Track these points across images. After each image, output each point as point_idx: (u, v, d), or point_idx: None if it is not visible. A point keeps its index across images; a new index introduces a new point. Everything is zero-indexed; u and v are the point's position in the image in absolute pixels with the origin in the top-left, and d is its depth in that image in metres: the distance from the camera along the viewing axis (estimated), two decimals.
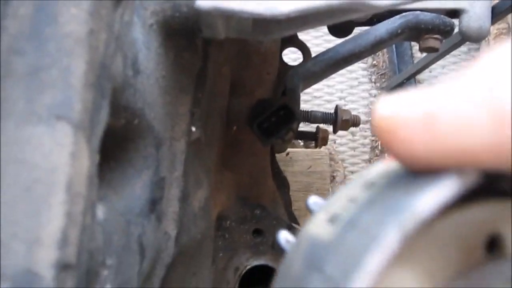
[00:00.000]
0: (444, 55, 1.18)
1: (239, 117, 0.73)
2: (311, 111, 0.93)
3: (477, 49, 1.55)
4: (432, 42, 0.90)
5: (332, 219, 0.23)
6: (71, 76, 0.27)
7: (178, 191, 0.50)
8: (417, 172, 0.21)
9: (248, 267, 0.74)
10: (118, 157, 0.43)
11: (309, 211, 0.30)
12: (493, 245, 0.22)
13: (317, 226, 0.24)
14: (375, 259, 0.19)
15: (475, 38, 0.91)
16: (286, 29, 0.49)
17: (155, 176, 0.46)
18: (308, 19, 0.46)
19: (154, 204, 0.46)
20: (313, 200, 0.31)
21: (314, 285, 0.21)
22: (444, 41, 0.94)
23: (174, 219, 0.49)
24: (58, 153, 0.26)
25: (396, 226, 0.19)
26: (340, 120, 0.91)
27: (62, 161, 0.26)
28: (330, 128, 1.04)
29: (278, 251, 0.78)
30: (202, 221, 0.59)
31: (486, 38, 1.45)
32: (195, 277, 0.64)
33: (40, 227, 0.26)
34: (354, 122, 0.93)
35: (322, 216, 0.24)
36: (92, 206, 0.30)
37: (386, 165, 0.24)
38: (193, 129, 0.51)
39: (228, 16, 0.42)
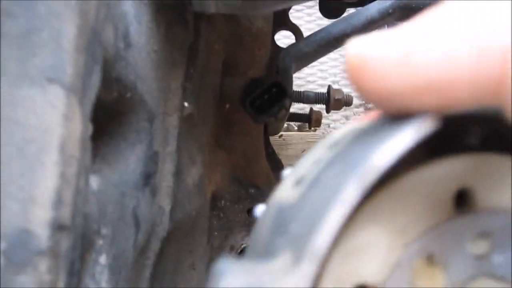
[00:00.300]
0: None
1: (232, 96, 0.73)
2: (304, 92, 0.93)
3: None
4: None
5: (298, 182, 0.23)
6: (62, 39, 0.27)
7: (171, 166, 0.50)
8: (381, 121, 0.21)
9: (244, 245, 0.74)
10: (112, 131, 0.44)
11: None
12: (462, 199, 0.22)
13: (284, 191, 0.24)
14: (336, 213, 0.18)
15: None
16: (274, 4, 0.49)
17: (148, 150, 0.46)
18: None
19: (148, 178, 0.46)
20: (287, 171, 0.29)
21: (278, 248, 0.20)
22: None
23: (168, 194, 0.50)
24: (51, 114, 0.27)
25: (355, 179, 0.19)
26: (332, 99, 0.91)
27: (54, 122, 0.27)
28: (323, 110, 1.04)
29: None
30: (196, 198, 0.60)
31: None
32: (191, 254, 0.64)
33: (34, 186, 0.26)
34: (347, 101, 0.93)
35: (289, 181, 0.24)
36: (86, 171, 0.30)
37: (350, 125, 0.24)
38: (186, 104, 0.52)
39: None
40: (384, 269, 0.21)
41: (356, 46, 0.20)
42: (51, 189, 0.27)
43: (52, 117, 0.27)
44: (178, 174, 0.52)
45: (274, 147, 1.01)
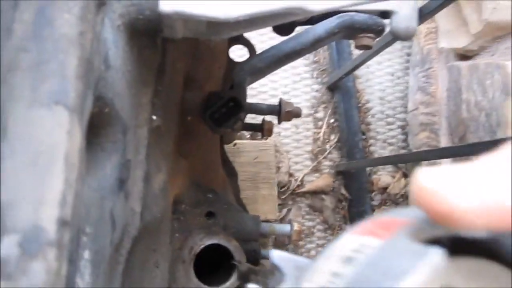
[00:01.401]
0: (379, 52, 1.26)
1: (192, 109, 0.80)
2: (257, 104, 1.01)
3: (409, 47, 1.67)
4: (366, 41, 0.99)
5: None
6: (66, 69, 0.33)
7: (142, 173, 0.56)
8: (392, 247, 0.24)
9: (202, 246, 0.80)
10: (92, 142, 0.49)
11: (274, 265, 0.32)
12: None
13: None
14: None
15: (404, 37, 1.01)
16: (234, 30, 0.56)
17: (122, 158, 0.52)
18: (254, 21, 0.53)
19: (122, 183, 0.52)
20: (277, 254, 0.33)
21: None
22: (377, 39, 1.04)
23: (139, 197, 0.56)
24: (58, 131, 0.33)
25: None
26: (284, 111, 0.99)
27: (61, 138, 0.33)
28: (274, 120, 1.12)
29: (228, 232, 0.85)
30: (161, 201, 0.66)
31: (417, 37, 1.57)
32: (155, 253, 0.70)
33: (44, 190, 0.32)
34: (297, 113, 1.01)
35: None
36: (82, 176, 0.36)
37: (354, 238, 0.26)
38: (154, 117, 0.58)
39: (186, 19, 0.49)
40: None
41: (431, 177, 0.23)
42: (58, 192, 0.32)
43: (59, 134, 0.33)
44: (147, 180, 0.58)
45: (228, 155, 1.08)
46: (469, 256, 0.26)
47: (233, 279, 0.81)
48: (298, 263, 0.30)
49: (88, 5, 0.35)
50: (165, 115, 0.62)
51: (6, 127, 0.31)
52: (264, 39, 1.53)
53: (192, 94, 0.81)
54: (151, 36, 0.53)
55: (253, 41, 0.99)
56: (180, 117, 0.77)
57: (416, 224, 0.24)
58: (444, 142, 1.41)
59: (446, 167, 0.23)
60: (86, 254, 0.44)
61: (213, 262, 0.86)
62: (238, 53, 1.29)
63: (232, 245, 0.80)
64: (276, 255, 0.33)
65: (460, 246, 0.26)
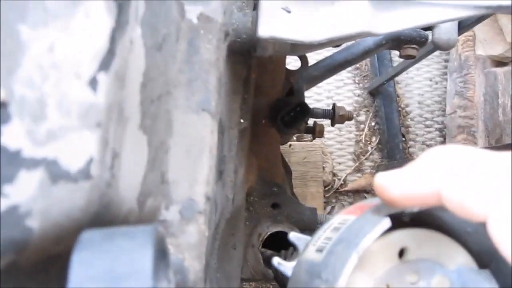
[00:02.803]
0: (420, 60, 1.37)
1: (260, 114, 0.92)
2: (313, 108, 1.12)
3: (447, 54, 1.76)
4: (410, 51, 1.10)
5: (319, 250, 0.37)
6: (208, 85, 0.45)
7: (233, 166, 0.68)
8: (361, 218, 0.36)
9: (269, 233, 0.92)
10: None
11: (291, 243, 0.47)
12: (402, 253, 0.37)
13: (311, 254, 0.38)
14: (348, 268, 0.33)
15: (445, 48, 1.12)
16: (310, 49, 0.68)
17: (220, 153, 0.64)
18: (326, 43, 0.65)
19: (221, 174, 0.64)
20: (293, 235, 0.47)
21: (317, 285, 0.35)
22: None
23: (231, 186, 0.68)
24: (204, 130, 0.45)
25: (355, 253, 0.33)
26: (337, 115, 1.10)
27: (206, 135, 0.45)
28: (323, 122, 1.23)
29: (291, 221, 0.97)
30: (242, 191, 0.78)
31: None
32: (233, 237, 0.82)
33: (196, 173, 0.44)
34: (349, 116, 1.12)
35: (311, 248, 0.39)
36: (216, 163, 0.48)
37: (341, 216, 0.39)
38: (242, 121, 0.70)
39: (276, 42, 0.61)
40: None
41: (381, 179, 0.35)
42: (205, 174, 0.45)
43: (205, 132, 0.45)
44: (235, 172, 0.70)
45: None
46: (420, 228, 0.38)
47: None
48: (308, 240, 0.41)
49: (221, 37, 0.47)
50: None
51: (172, 127, 0.44)
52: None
53: (259, 101, 0.93)
54: (243, 55, 0.65)
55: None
56: (252, 120, 0.89)
57: (378, 206, 0.36)
58: (481, 143, 1.51)
59: (394, 170, 0.34)
60: None
61: (277, 242, 0.98)
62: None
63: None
64: (292, 235, 0.47)
65: (415, 221, 0.38)
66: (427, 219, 0.39)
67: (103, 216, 0.32)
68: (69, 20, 0.29)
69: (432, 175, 0.32)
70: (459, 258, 0.38)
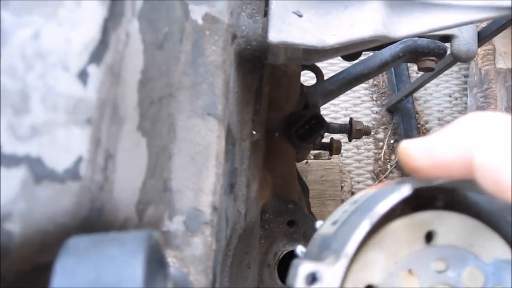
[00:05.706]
0: (438, 74, 1.33)
1: (274, 128, 0.89)
2: (330, 123, 1.09)
3: (467, 68, 1.73)
4: (428, 63, 1.06)
5: (334, 223, 0.36)
6: (214, 89, 0.43)
7: (245, 179, 0.66)
8: (381, 191, 0.34)
9: (285, 251, 0.89)
10: None
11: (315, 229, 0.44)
12: (430, 237, 0.33)
13: (325, 228, 0.37)
14: (358, 235, 0.30)
15: (465, 59, 1.08)
16: (324, 56, 0.65)
17: (231, 166, 0.62)
18: (341, 49, 0.62)
19: (232, 187, 0.62)
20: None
21: (326, 255, 0.32)
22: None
23: (243, 201, 0.65)
24: (210, 136, 0.42)
25: (367, 219, 0.30)
26: (354, 129, 1.07)
27: (212, 141, 0.42)
28: (341, 138, 1.20)
29: (308, 239, 0.93)
30: (255, 207, 0.75)
31: (475, 59, 1.63)
32: (248, 255, 0.79)
33: (201, 181, 0.42)
34: (366, 131, 1.09)
35: (328, 222, 0.37)
36: (224, 172, 0.46)
37: (360, 193, 0.37)
38: (254, 132, 0.67)
39: (287, 47, 0.59)
40: (383, 275, 0.32)
41: (405, 145, 0.32)
42: (211, 183, 0.42)
43: (211, 138, 0.42)
44: (247, 186, 0.67)
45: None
46: (451, 212, 0.34)
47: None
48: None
49: (227, 39, 0.45)
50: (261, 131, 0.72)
51: (175, 132, 0.41)
52: (334, 61, 1.62)
53: (274, 115, 0.90)
54: (253, 63, 0.63)
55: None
56: (265, 135, 0.86)
57: (402, 179, 0.33)
58: None
59: (421, 138, 0.32)
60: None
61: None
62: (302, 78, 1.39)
63: None
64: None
65: (449, 207, 0.35)
66: (462, 205, 0.35)
67: (96, 223, 0.29)
68: (57, 7, 0.27)
69: (464, 140, 0.29)
70: (496, 250, 0.34)
